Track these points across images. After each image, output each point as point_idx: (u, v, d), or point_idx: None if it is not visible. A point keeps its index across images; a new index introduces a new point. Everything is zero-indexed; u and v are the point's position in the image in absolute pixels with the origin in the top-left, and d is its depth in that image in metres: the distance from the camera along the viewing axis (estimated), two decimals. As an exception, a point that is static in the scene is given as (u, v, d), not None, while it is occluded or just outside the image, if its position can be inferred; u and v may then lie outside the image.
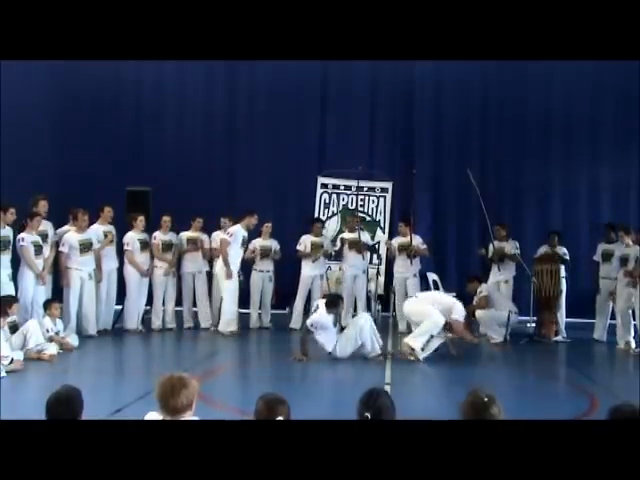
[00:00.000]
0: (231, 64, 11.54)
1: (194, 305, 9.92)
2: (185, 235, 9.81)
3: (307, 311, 9.98)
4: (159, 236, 9.58)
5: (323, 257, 10.10)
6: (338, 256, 10.60)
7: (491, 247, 9.93)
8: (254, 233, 10.05)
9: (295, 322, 9.93)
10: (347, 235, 10.22)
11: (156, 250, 9.55)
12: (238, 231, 9.45)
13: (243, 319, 10.00)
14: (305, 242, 9.99)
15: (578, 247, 10.53)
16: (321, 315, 7.80)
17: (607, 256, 9.38)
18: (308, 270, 9.99)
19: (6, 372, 6.49)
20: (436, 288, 11.28)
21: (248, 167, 11.79)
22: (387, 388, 5.89)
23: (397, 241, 10.09)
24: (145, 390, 5.50)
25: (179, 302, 9.83)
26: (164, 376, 3.10)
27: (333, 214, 11.48)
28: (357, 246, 9.92)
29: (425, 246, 10.08)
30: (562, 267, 9.70)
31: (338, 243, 10.29)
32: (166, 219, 9.60)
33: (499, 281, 9.88)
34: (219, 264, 9.40)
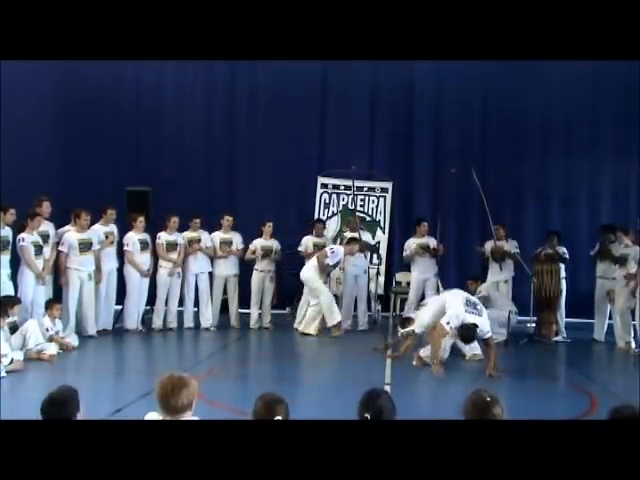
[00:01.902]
0: (231, 64, 11.55)
1: (195, 305, 9.92)
2: (186, 236, 9.80)
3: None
4: (163, 236, 9.57)
5: None
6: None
7: (488, 246, 9.94)
8: (254, 233, 10.07)
9: (299, 322, 9.92)
10: (349, 235, 10.22)
11: (160, 250, 9.54)
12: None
13: (243, 319, 10.01)
14: (307, 244, 9.98)
15: (578, 247, 10.52)
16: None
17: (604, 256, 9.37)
18: None
19: (6, 372, 6.49)
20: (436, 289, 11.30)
21: (248, 167, 11.80)
22: (387, 388, 5.89)
23: (416, 242, 10.00)
24: (145, 390, 5.50)
25: (180, 302, 9.83)
26: (164, 376, 3.10)
27: (333, 214, 11.48)
28: (359, 246, 9.90)
29: (441, 246, 10.04)
30: (562, 267, 9.70)
31: (338, 242, 10.30)
32: (175, 219, 9.58)
33: (498, 281, 9.88)
34: (311, 274, 9.43)
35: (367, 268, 10.22)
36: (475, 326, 6.81)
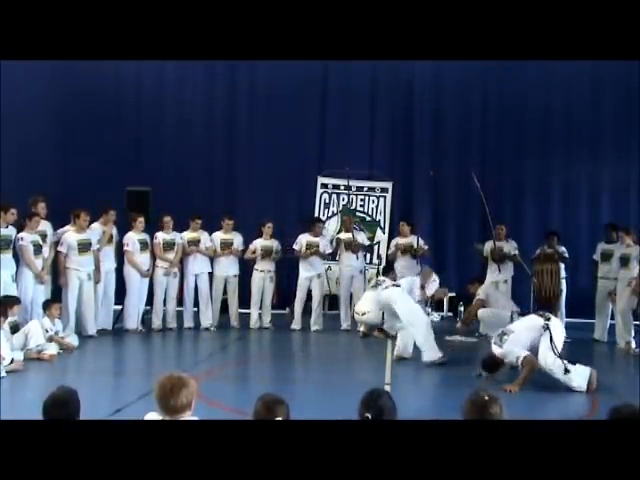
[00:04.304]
0: (231, 64, 11.56)
1: (195, 305, 9.92)
2: (186, 236, 9.80)
3: (307, 312, 10.00)
4: (160, 236, 9.58)
5: (320, 257, 10.05)
6: (334, 256, 10.61)
7: (487, 246, 9.95)
8: (254, 233, 10.07)
9: (296, 323, 9.92)
10: (342, 235, 10.23)
11: (158, 250, 9.54)
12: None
13: (243, 319, 10.02)
14: (301, 241, 9.94)
15: (578, 247, 10.52)
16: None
17: (606, 256, 9.36)
18: (305, 271, 9.95)
19: (6, 372, 6.49)
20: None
21: (248, 167, 11.81)
22: (387, 388, 5.89)
23: (399, 241, 10.09)
24: (145, 390, 5.50)
25: (180, 302, 9.83)
26: (163, 376, 3.10)
27: (333, 214, 11.48)
28: (352, 246, 9.91)
29: (427, 247, 10.14)
30: (562, 267, 9.69)
31: (334, 243, 10.32)
32: (167, 219, 9.59)
33: (497, 281, 9.89)
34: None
35: (363, 268, 10.22)
36: (495, 358, 6.60)
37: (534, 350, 6.48)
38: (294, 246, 9.93)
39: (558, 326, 6.65)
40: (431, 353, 7.39)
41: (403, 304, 7.64)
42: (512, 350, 6.44)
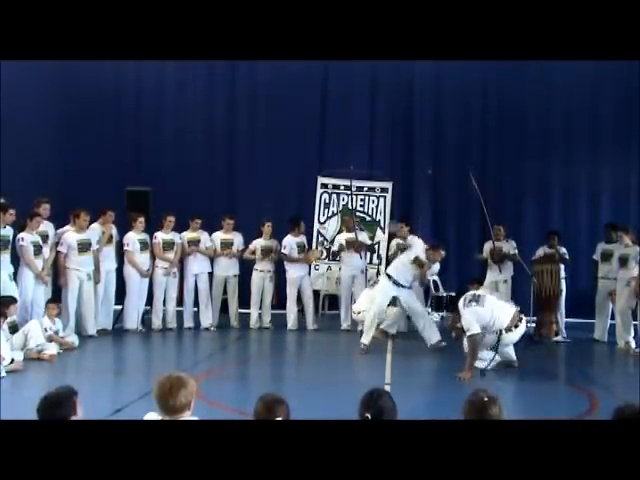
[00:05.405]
0: (231, 64, 11.56)
1: (195, 305, 9.92)
2: (185, 236, 9.80)
3: (301, 311, 10.01)
4: (160, 235, 9.57)
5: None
6: (336, 256, 10.61)
7: (487, 247, 9.94)
8: (254, 233, 10.07)
9: (292, 324, 9.93)
10: (344, 235, 10.22)
11: (157, 250, 9.54)
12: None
13: (243, 319, 10.01)
14: (290, 244, 9.94)
15: (578, 247, 10.52)
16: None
17: (606, 256, 9.36)
18: (293, 272, 9.97)
19: (6, 372, 6.49)
20: (436, 288, 11.31)
21: (248, 167, 11.81)
22: (387, 388, 5.89)
23: (400, 242, 10.02)
24: (145, 390, 5.50)
25: (180, 302, 9.83)
26: (163, 376, 3.10)
27: (333, 214, 11.47)
28: (354, 246, 9.90)
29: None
30: (562, 267, 9.69)
31: (336, 244, 10.31)
32: (171, 219, 9.59)
33: (497, 281, 9.88)
34: None
35: (364, 268, 10.21)
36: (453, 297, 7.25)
37: (486, 329, 7.02)
38: (283, 250, 9.90)
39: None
40: (365, 337, 8.36)
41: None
42: (469, 320, 6.92)
